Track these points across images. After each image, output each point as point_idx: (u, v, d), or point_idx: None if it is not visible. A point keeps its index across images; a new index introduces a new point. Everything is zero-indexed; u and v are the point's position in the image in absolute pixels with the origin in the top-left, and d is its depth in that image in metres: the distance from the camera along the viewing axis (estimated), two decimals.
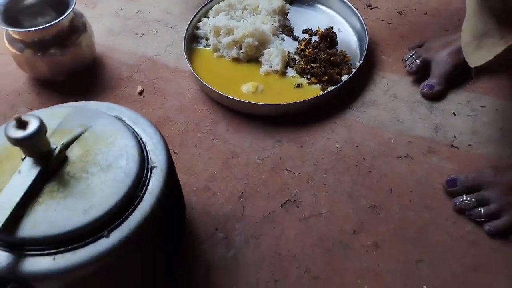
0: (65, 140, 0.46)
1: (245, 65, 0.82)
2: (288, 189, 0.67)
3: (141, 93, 0.80)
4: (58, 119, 0.49)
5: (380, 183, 0.67)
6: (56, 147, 0.45)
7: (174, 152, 0.72)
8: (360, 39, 0.85)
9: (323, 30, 0.85)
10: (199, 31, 0.86)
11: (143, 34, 0.91)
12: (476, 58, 0.57)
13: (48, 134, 0.44)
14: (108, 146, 0.47)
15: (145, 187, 0.46)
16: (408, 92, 0.78)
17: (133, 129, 0.51)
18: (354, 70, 0.77)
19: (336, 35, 0.85)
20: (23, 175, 0.43)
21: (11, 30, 0.70)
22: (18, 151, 0.46)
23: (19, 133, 0.40)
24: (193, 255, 0.60)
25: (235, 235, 0.62)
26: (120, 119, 0.52)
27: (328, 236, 0.61)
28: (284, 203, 0.65)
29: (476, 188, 0.63)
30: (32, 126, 0.40)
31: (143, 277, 0.51)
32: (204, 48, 0.86)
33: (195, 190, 0.67)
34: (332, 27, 0.86)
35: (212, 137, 0.74)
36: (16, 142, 0.40)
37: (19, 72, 0.82)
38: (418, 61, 0.79)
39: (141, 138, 0.50)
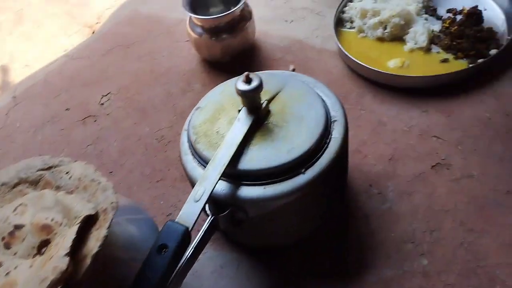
0: (268, 96, 0.59)
1: (389, 43, 0.88)
2: (437, 153, 0.72)
3: (293, 70, 0.92)
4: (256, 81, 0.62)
5: None
6: (264, 102, 0.57)
7: None
8: (508, 18, 0.86)
9: (469, 9, 0.87)
10: (344, 15, 0.95)
11: (292, 21, 1.03)
12: None
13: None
14: (300, 102, 0.58)
15: (329, 136, 0.56)
16: None
17: (314, 90, 0.62)
18: (503, 45, 0.79)
19: (481, 13, 0.87)
20: (241, 121, 0.56)
21: (198, 18, 0.86)
22: (231, 106, 0.59)
23: (247, 86, 0.53)
24: (352, 205, 0.69)
25: (389, 191, 0.70)
26: (303, 82, 0.63)
27: (481, 195, 0.66)
28: (434, 165, 0.71)
29: None
30: (255, 82, 0.53)
31: (320, 210, 0.62)
32: (348, 30, 0.94)
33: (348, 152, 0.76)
34: (477, 6, 0.88)
35: (359, 107, 0.82)
36: (243, 93, 0.53)
37: (192, 55, 0.99)
38: None
39: (322, 97, 0.61)
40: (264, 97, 0.58)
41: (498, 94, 0.77)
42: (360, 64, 0.82)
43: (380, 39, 0.89)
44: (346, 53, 0.85)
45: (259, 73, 0.66)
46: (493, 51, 0.80)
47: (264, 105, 0.57)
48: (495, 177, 0.67)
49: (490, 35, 0.83)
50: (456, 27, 0.84)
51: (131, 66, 1.01)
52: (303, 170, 0.53)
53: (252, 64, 0.95)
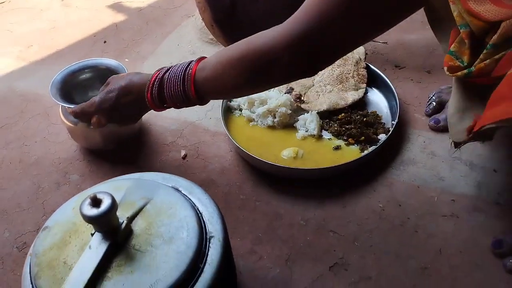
0: (129, 213, 0.49)
1: (281, 131, 0.85)
2: (334, 250, 0.67)
3: (184, 157, 0.84)
4: (121, 192, 0.52)
5: (428, 243, 0.66)
6: (123, 221, 0.47)
7: None
8: (388, 99, 0.88)
9: None
10: (232, 103, 0.91)
11: None
12: (457, 131, 0.58)
13: None
14: (169, 217, 0.50)
15: (205, 258, 0.48)
16: (446, 150, 0.79)
17: (190, 198, 0.54)
18: (391, 129, 0.79)
19: (364, 97, 0.88)
20: (93, 250, 0.45)
21: (67, 106, 0.76)
22: (85, 226, 0.49)
23: (94, 211, 0.43)
24: None
25: None
26: (177, 190, 0.54)
27: None
28: (332, 266, 0.65)
29: None
30: (105, 203, 0.43)
31: None
32: (240, 116, 0.90)
33: (242, 254, 0.68)
34: None
35: (254, 198, 0.76)
36: (91, 219, 0.43)
37: (71, 141, 0.87)
38: (434, 103, 0.86)
39: (197, 208, 0.53)
40: (125, 213, 0.49)
41: (389, 183, 0.75)
42: (253, 156, 0.77)
43: (272, 127, 0.86)
44: (238, 145, 0.79)
45: (124, 178, 0.57)
46: (381, 136, 0.80)
47: (124, 225, 0.47)
48: (393, 279, 0.63)
49: (376, 119, 0.84)
50: (342, 113, 0.84)
51: None
52: None
53: (139, 150, 0.86)
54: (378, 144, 0.78)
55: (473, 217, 0.69)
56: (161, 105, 0.67)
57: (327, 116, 0.86)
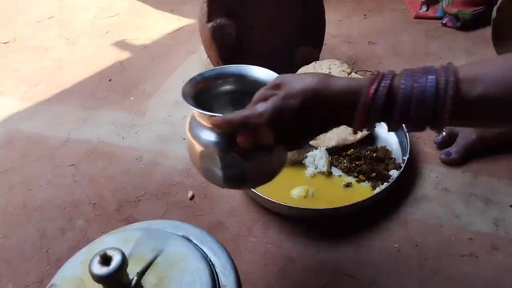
0: (140, 268, 0.47)
1: (290, 169, 0.84)
2: None
3: (192, 198, 0.82)
4: (130, 244, 0.50)
5: (448, 286, 0.64)
6: (133, 277, 0.45)
7: None
8: (398, 134, 0.87)
9: None
10: None
11: None
12: None
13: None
14: (181, 271, 0.47)
15: None
16: (460, 185, 0.78)
17: (201, 249, 0.52)
18: (402, 165, 0.78)
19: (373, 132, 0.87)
20: None
21: (210, 114, 0.49)
22: (94, 283, 0.46)
23: (104, 270, 0.41)
24: None
25: None
26: (188, 239, 0.53)
27: None
28: None
29: None
30: (116, 261, 0.41)
31: None
32: None
33: None
34: None
35: (265, 241, 0.74)
36: (100, 279, 0.41)
37: (77, 184, 0.86)
38: (444, 133, 0.85)
39: (210, 259, 0.51)
40: (135, 267, 0.46)
41: (403, 222, 0.73)
42: (262, 196, 0.75)
43: None
44: None
45: (133, 228, 0.55)
46: (392, 172, 0.79)
47: (134, 281, 0.45)
48: None
49: (386, 154, 0.82)
50: (351, 149, 0.83)
51: None
52: None
53: (147, 192, 0.84)
54: (391, 180, 0.76)
55: (493, 256, 0.67)
56: (373, 124, 0.46)
57: (336, 152, 0.85)
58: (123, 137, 0.98)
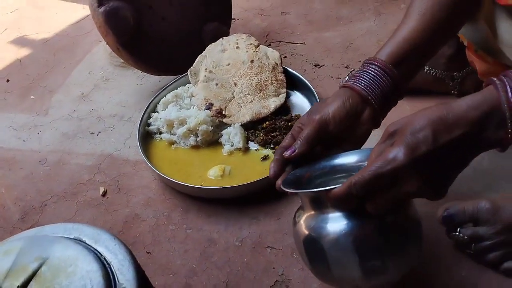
0: (22, 278, 0.42)
1: (206, 149, 0.81)
2: (273, 268, 0.64)
3: (104, 194, 0.77)
4: (11, 256, 0.45)
5: None
6: None
7: (147, 252, 0.68)
8: (310, 100, 0.86)
9: None
10: (151, 127, 0.84)
11: (99, 132, 0.89)
12: None
13: (0, 278, 0.40)
14: (69, 277, 0.43)
15: None
16: None
17: (95, 249, 0.48)
18: None
19: (286, 102, 0.86)
20: None
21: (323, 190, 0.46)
22: None
23: None
24: None
25: None
26: (79, 241, 0.48)
27: None
28: (272, 285, 0.62)
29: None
30: None
31: None
32: (161, 140, 0.84)
33: None
34: None
35: (185, 227, 0.71)
36: None
37: None
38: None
39: (105, 258, 0.47)
40: (15, 281, 0.41)
41: None
42: (177, 182, 0.72)
43: (196, 147, 0.81)
44: (159, 172, 0.73)
45: (15, 239, 0.50)
46: None
47: None
48: None
49: None
50: (267, 122, 0.81)
51: None
52: None
53: (53, 195, 0.78)
54: None
55: None
56: None
57: (251, 127, 0.83)
58: (23, 140, 0.90)
